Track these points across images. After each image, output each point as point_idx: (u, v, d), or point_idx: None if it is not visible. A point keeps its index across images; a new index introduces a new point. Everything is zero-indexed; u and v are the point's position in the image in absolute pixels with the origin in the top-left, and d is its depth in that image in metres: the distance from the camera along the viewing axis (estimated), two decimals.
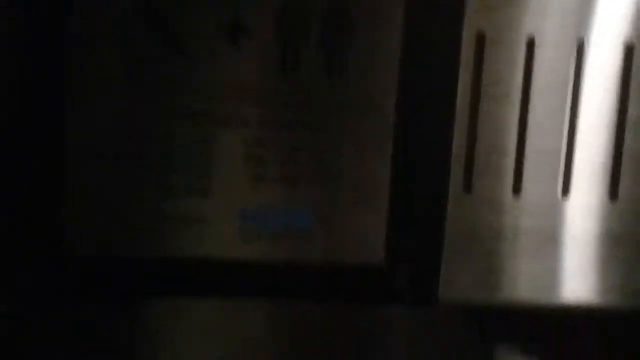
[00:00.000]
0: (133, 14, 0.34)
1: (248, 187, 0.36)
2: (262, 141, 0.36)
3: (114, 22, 0.34)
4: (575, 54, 0.37)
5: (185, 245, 0.36)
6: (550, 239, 0.38)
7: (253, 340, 0.39)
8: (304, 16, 0.35)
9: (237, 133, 0.36)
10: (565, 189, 0.37)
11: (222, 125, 0.35)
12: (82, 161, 0.35)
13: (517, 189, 0.37)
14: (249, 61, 0.35)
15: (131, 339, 0.37)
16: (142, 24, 0.34)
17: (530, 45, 0.37)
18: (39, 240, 0.34)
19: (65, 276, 0.35)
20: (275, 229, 0.36)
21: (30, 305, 0.35)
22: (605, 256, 0.38)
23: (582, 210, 0.38)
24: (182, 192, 0.35)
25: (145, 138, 0.35)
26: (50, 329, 0.36)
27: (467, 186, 0.37)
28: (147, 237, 0.35)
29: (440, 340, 0.40)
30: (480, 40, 0.36)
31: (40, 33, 0.33)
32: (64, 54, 0.34)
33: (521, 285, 0.38)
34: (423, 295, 0.37)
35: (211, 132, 0.35)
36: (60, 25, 0.33)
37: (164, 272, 0.36)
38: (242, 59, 0.35)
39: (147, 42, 0.34)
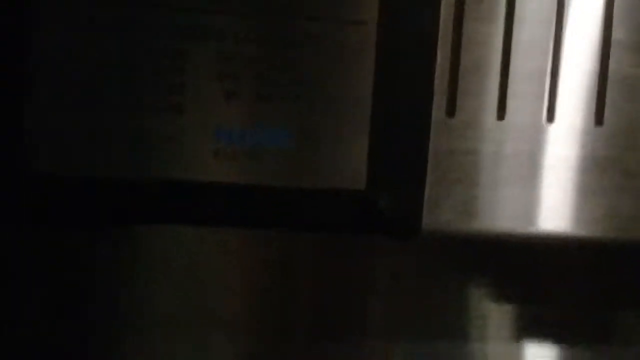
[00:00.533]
0: None
1: (223, 104, 0.34)
2: (237, 56, 0.34)
3: None
4: None
5: (155, 165, 0.33)
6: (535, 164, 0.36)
7: (226, 268, 0.37)
8: None
9: (211, 47, 0.34)
10: (550, 114, 0.36)
11: (196, 39, 0.33)
12: (46, 73, 0.32)
13: (501, 113, 0.36)
14: None
15: (94, 265, 0.35)
16: None
17: None
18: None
19: (25, 195, 0.32)
20: (250, 148, 0.34)
21: None
22: (590, 183, 0.37)
23: (567, 136, 0.36)
24: (152, 109, 0.33)
25: (113, 52, 0.33)
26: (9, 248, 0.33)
27: (451, 110, 0.36)
28: (114, 156, 0.33)
29: (422, 268, 0.39)
30: None
31: None
32: None
33: (504, 214, 0.36)
34: (406, 223, 0.35)
35: (184, 46, 0.33)
36: None
37: (131, 194, 0.33)
38: None
39: None
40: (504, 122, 0.36)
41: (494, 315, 0.42)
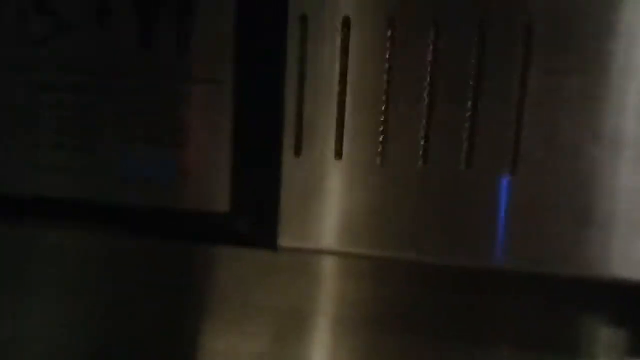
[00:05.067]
0: None
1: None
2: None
3: None
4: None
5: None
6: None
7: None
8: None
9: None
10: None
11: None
12: None
13: (339, 153, 0.42)
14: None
15: None
16: None
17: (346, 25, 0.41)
18: None
19: None
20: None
21: None
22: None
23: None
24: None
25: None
26: None
27: (297, 150, 0.43)
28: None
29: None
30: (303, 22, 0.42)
31: None
32: None
33: (341, 234, 0.43)
34: (264, 242, 0.44)
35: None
36: None
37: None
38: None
39: None
40: (341, 161, 0.42)
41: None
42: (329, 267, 0.50)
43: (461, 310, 0.49)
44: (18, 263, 0.53)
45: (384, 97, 0.41)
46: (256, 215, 0.44)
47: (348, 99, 0.42)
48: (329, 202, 0.43)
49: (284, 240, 0.44)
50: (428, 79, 0.41)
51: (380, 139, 0.42)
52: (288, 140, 0.43)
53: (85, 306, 0.53)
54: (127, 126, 0.44)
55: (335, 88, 0.42)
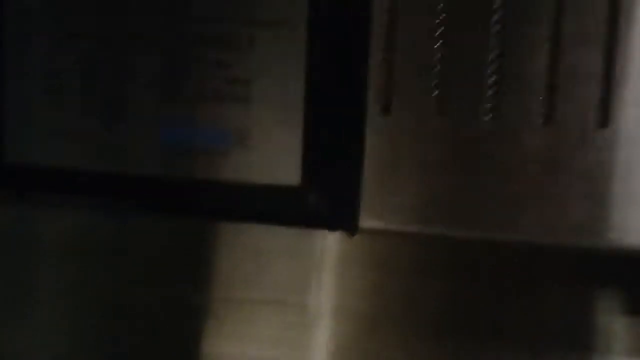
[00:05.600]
0: None
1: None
2: (179, 59, 0.36)
3: None
4: None
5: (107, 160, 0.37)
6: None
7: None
8: None
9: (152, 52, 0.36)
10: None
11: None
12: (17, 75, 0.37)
13: (442, 111, 0.35)
14: None
15: None
16: None
17: None
18: None
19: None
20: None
21: None
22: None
23: None
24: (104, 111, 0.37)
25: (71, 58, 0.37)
26: None
27: (386, 108, 0.35)
28: (65, 152, 0.37)
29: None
30: None
31: None
32: None
33: (449, 213, 0.35)
34: (341, 222, 0.36)
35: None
36: None
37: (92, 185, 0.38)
38: None
39: None
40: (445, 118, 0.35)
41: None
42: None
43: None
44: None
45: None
46: (332, 189, 0.36)
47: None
48: (423, 174, 0.35)
49: (365, 221, 0.36)
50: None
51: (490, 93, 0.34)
52: (374, 96, 0.35)
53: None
54: (170, 84, 0.36)
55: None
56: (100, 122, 0.37)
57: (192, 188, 0.37)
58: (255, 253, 0.42)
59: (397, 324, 0.42)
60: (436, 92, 0.34)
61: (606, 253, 0.34)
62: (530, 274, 0.40)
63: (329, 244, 0.41)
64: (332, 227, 0.36)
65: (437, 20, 0.34)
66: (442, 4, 0.34)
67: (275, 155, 0.36)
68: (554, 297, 0.40)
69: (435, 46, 0.34)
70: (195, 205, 0.37)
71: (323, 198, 0.36)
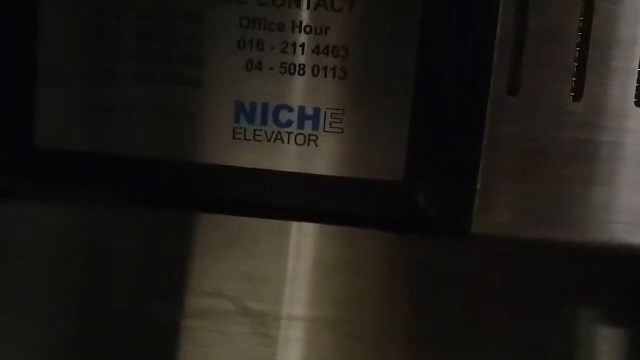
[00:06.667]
0: None
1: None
2: (261, 22, 0.30)
3: None
4: None
5: (168, 144, 0.31)
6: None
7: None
8: None
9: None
10: None
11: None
12: (53, 47, 0.31)
13: (578, 92, 0.29)
14: None
15: None
16: None
17: None
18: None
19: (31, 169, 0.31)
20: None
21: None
22: None
23: None
24: (167, 81, 0.30)
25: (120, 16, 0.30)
26: None
27: (513, 87, 0.29)
28: (124, 134, 0.31)
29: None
30: None
31: None
32: None
33: (580, 220, 0.29)
34: (450, 223, 0.30)
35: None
36: None
37: (142, 174, 0.31)
38: None
39: None
40: (580, 103, 0.29)
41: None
42: None
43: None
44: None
45: None
46: (442, 186, 0.30)
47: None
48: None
49: (479, 225, 0.30)
50: None
51: None
52: (498, 73, 0.29)
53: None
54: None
55: None
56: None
57: (269, 180, 0.30)
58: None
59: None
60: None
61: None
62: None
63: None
64: (440, 230, 0.30)
65: None
66: None
67: (374, 145, 0.30)
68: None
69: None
70: (274, 201, 0.31)
71: (430, 196, 0.30)
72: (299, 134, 0.30)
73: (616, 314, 0.34)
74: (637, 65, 0.28)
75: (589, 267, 0.32)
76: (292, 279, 0.35)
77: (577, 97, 0.29)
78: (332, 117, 0.30)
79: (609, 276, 0.32)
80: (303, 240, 0.35)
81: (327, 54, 0.29)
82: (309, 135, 0.30)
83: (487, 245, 0.31)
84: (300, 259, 0.35)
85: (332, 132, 0.30)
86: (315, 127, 0.30)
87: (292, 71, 0.30)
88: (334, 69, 0.29)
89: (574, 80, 0.29)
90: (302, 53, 0.30)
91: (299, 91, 0.30)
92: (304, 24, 0.29)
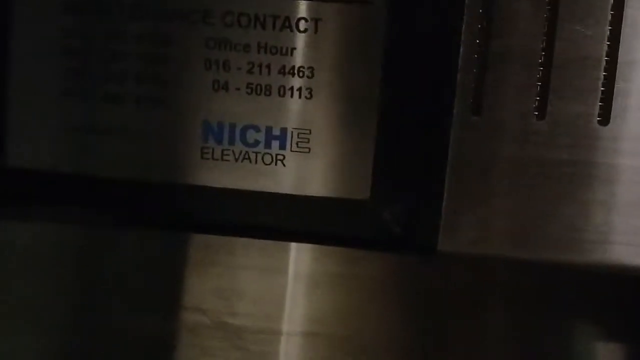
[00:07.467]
0: None
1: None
2: (227, 42, 0.30)
3: None
4: None
5: (134, 164, 0.31)
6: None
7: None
8: None
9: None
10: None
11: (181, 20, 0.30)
12: (24, 68, 0.31)
13: (541, 111, 0.29)
14: None
15: None
16: None
17: None
18: None
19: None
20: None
21: None
22: None
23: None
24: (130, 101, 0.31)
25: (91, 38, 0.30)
26: None
27: (476, 108, 0.29)
28: (93, 154, 0.31)
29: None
30: None
31: None
32: None
33: (545, 238, 0.29)
34: (416, 241, 0.30)
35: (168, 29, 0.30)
36: None
37: (107, 194, 0.31)
38: None
39: None
40: (544, 122, 0.29)
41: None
42: None
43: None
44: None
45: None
46: (408, 204, 0.30)
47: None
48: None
49: (445, 242, 0.30)
50: None
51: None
52: (462, 94, 0.29)
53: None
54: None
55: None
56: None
57: (237, 199, 0.31)
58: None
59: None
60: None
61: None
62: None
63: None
64: (406, 248, 0.30)
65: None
66: None
67: (341, 164, 0.30)
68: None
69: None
70: (239, 220, 0.31)
71: (397, 213, 0.30)
72: (266, 153, 0.30)
73: (583, 329, 0.34)
74: (600, 85, 0.28)
75: (560, 283, 0.32)
76: (270, 294, 0.35)
77: (541, 116, 0.29)
78: (299, 137, 0.30)
79: (573, 293, 0.33)
80: (281, 256, 0.35)
81: (293, 74, 0.30)
82: (276, 154, 0.30)
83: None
84: (280, 274, 0.35)
85: (299, 151, 0.30)
86: (282, 146, 0.30)
87: (258, 92, 0.30)
88: (300, 89, 0.30)
89: (538, 99, 0.29)
90: (269, 74, 0.30)
91: (265, 111, 0.30)
92: (269, 45, 0.30)
